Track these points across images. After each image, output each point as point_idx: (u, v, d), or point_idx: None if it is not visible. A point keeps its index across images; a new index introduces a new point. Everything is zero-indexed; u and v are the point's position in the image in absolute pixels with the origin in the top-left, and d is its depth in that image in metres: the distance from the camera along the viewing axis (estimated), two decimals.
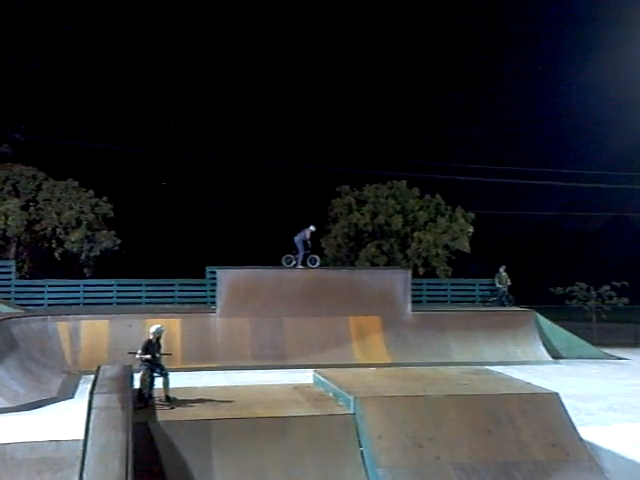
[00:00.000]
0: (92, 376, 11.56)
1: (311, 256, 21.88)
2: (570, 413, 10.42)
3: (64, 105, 37.60)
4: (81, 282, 23.66)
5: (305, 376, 13.56)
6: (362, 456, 9.58)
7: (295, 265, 21.44)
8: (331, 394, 11.41)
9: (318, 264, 21.94)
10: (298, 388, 12.28)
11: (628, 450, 10.51)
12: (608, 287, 27.28)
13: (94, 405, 9.56)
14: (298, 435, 9.81)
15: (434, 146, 42.44)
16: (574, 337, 22.41)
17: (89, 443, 8.43)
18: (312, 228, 21.95)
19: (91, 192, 27.80)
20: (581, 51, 41.39)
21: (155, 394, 10.80)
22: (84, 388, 13.71)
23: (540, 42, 46.10)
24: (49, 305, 22.15)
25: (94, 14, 39.72)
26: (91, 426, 8.91)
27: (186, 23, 42.53)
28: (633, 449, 10.57)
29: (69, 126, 34.04)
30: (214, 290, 21.23)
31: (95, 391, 10.23)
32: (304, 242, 21.57)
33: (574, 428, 10.15)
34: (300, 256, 21.57)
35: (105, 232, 27.50)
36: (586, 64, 40.10)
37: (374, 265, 28.27)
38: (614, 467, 9.93)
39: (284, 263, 21.61)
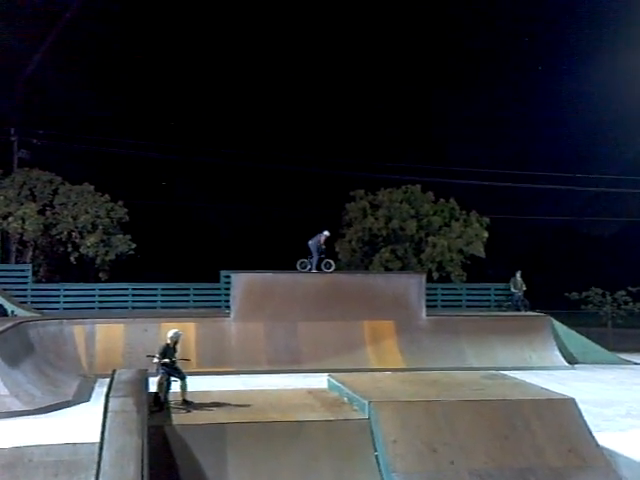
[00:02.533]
0: (107, 380, 11.62)
1: (326, 260, 21.94)
2: (586, 419, 10.34)
3: (80, 110, 37.84)
4: (96, 286, 23.80)
5: (319, 381, 13.56)
6: (377, 461, 9.56)
7: (310, 269, 21.49)
8: (346, 399, 11.39)
9: (333, 268, 21.98)
10: (312, 392, 12.27)
11: None
12: (624, 292, 27.14)
13: (110, 408, 9.61)
14: (313, 439, 9.81)
15: (449, 150, 42.41)
16: (590, 342, 22.29)
17: (105, 446, 8.47)
18: (326, 233, 22.01)
19: (107, 196, 27.95)
20: (600, 50, 41.14)
21: (171, 398, 10.85)
22: (100, 391, 13.78)
23: (555, 43, 45.86)
24: (65, 309, 22.30)
25: (111, 17, 40.00)
26: (107, 429, 8.96)
27: (195, 25, 42.69)
28: None
29: (85, 131, 34.28)
30: (228, 294, 21.27)
31: (111, 394, 10.29)
32: (318, 247, 21.63)
33: (591, 434, 10.08)
34: (314, 260, 21.62)
35: (120, 236, 27.62)
36: (603, 64, 39.91)
37: (388, 270, 28.23)
38: (631, 474, 9.86)
39: (299, 267, 21.66)
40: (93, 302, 22.78)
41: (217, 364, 18.55)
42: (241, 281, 20.65)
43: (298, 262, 21.71)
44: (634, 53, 36.51)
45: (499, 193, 37.94)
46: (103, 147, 33.57)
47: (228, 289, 21.54)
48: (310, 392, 12.35)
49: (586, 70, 41.84)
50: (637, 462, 10.24)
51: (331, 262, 22.10)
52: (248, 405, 11.00)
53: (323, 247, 21.83)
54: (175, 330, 11.13)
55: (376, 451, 9.64)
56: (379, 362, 19.54)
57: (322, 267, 21.71)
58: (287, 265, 22.32)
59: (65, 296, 22.68)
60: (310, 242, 21.80)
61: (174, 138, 37.91)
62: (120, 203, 28.18)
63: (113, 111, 38.97)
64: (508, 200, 39.56)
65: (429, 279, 25.56)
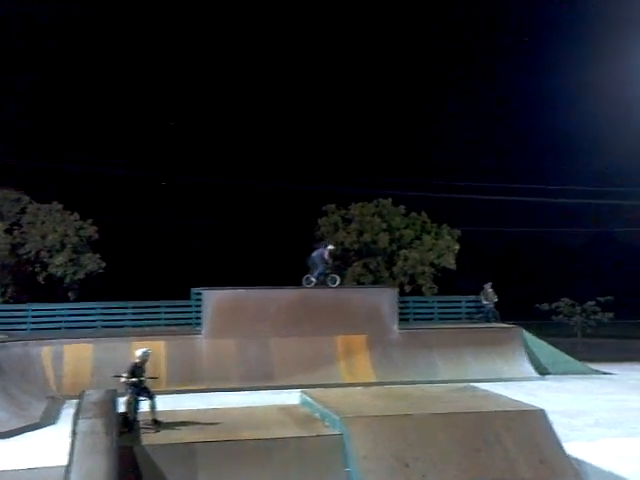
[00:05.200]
0: (76, 401, 11.45)
1: (331, 275, 22.15)
2: (556, 429, 10.41)
3: (47, 128, 37.55)
4: (65, 306, 23.41)
5: (292, 397, 13.50)
6: (349, 477, 9.51)
7: (314, 284, 21.51)
8: (318, 415, 11.35)
9: (338, 283, 22.08)
10: (284, 409, 12.21)
11: (614, 465, 10.53)
12: (593, 302, 27.48)
13: (78, 430, 9.47)
14: (285, 457, 9.75)
15: (419, 164, 42.69)
16: (560, 353, 22.47)
17: (73, 469, 8.35)
18: (330, 247, 22.18)
19: (76, 215, 27.70)
20: (566, 65, 41.87)
21: (141, 418, 10.72)
22: (68, 413, 13.56)
23: (524, 55, 46.61)
24: (32, 329, 21.91)
25: (78, 38, 39.84)
26: (75, 451, 8.82)
27: (161, 43, 42.65)
28: (619, 464, 10.59)
29: (53, 149, 34.00)
30: (200, 312, 21.11)
31: (79, 416, 10.13)
32: (324, 260, 21.66)
33: (560, 444, 10.14)
34: (317, 273, 21.75)
35: (90, 255, 27.37)
36: (572, 79, 40.59)
37: (360, 284, 28.28)
38: None
39: (304, 283, 21.85)
40: (62, 322, 22.39)
41: (188, 382, 18.37)
42: (212, 298, 20.53)
43: (304, 278, 21.85)
44: (604, 66, 37.21)
45: (470, 205, 38.32)
46: (71, 165, 33.29)
47: (199, 306, 21.37)
48: (282, 409, 12.28)
49: (556, 82, 42.54)
50: (605, 471, 10.33)
51: (336, 277, 22.23)
52: (219, 423, 10.90)
53: (330, 261, 21.89)
54: (144, 349, 11.03)
55: (348, 467, 9.60)
56: (351, 377, 19.50)
57: (328, 282, 21.85)
58: (259, 281, 22.25)
59: (33, 316, 22.25)
60: (313, 255, 21.88)
61: (144, 156, 37.75)
62: (89, 221, 27.94)
63: (82, 130, 38.74)
64: (479, 212, 39.95)
65: (401, 292, 25.66)
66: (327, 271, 21.97)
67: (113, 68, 41.06)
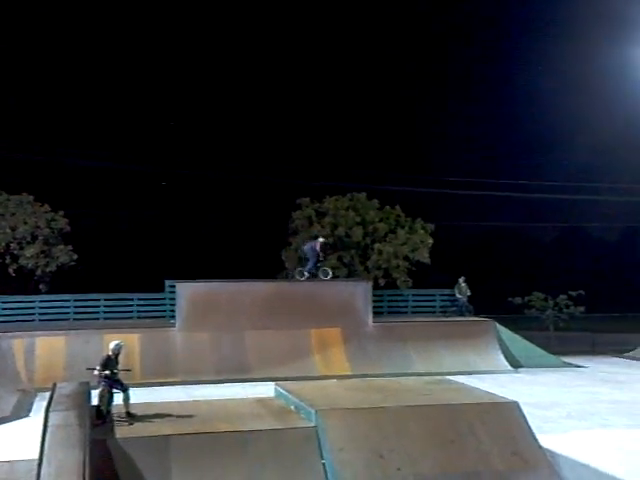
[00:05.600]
0: (48, 394, 11.31)
1: (323, 268, 22.33)
2: (529, 421, 10.51)
3: (17, 118, 36.99)
4: (36, 298, 23.13)
5: (267, 389, 13.47)
6: (324, 469, 9.51)
7: (307, 277, 21.67)
8: (293, 407, 11.34)
9: (330, 276, 22.23)
10: (260, 402, 12.18)
11: (586, 457, 10.65)
12: (565, 296, 27.75)
13: (50, 423, 9.35)
14: (259, 449, 9.72)
15: (394, 158, 42.78)
16: (533, 346, 22.67)
17: (45, 462, 8.24)
18: (321, 240, 22.32)
19: (47, 206, 27.31)
20: (540, 61, 42.24)
21: (114, 410, 10.61)
22: (40, 406, 13.38)
23: (498, 51, 46.87)
24: (2, 322, 21.61)
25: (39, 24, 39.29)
26: (47, 445, 8.71)
27: (148, 38, 42.24)
28: (591, 456, 10.71)
29: (23, 140, 33.51)
30: (174, 304, 20.96)
31: (51, 408, 10.02)
32: (316, 253, 21.77)
33: (533, 436, 10.24)
34: (309, 266, 21.96)
35: (61, 247, 27.01)
36: (545, 75, 40.94)
37: (335, 277, 28.26)
38: (573, 474, 10.05)
39: (297, 276, 22.05)
40: (33, 315, 22.13)
41: (162, 375, 18.22)
42: (186, 291, 20.39)
43: (297, 271, 21.88)
44: (570, 64, 37.57)
45: (444, 200, 38.49)
46: (42, 156, 32.83)
47: (173, 299, 21.21)
48: (257, 401, 12.26)
49: (532, 79, 42.87)
50: (579, 462, 10.44)
51: (328, 270, 22.43)
52: (193, 416, 10.83)
53: (321, 254, 22.05)
54: (116, 342, 10.92)
55: (323, 459, 9.60)
56: (326, 369, 19.50)
57: (320, 274, 21.98)
58: (233, 274, 22.14)
59: (3, 309, 21.98)
60: (305, 247, 22.01)
61: (118, 146, 37.37)
62: (61, 213, 27.56)
63: (53, 119, 38.24)
64: (453, 207, 40.16)
65: (375, 286, 25.70)
66: (319, 264, 22.14)
67: (84, 56, 40.55)
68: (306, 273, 22.06)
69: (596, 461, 10.45)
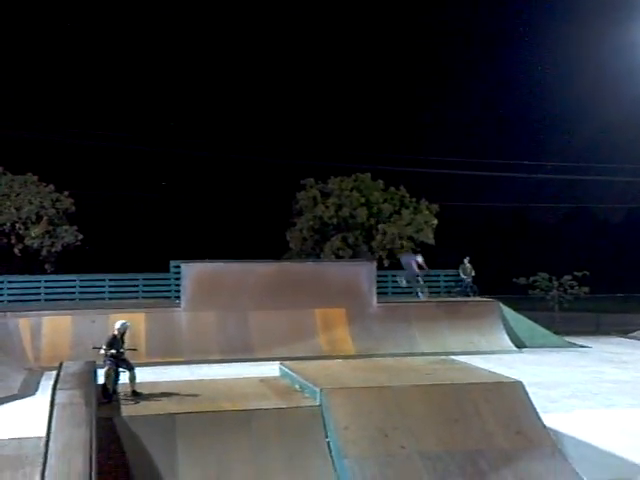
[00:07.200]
0: (54, 373, 11.38)
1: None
2: (533, 401, 10.53)
3: (21, 98, 36.92)
4: (42, 278, 23.23)
5: (272, 369, 13.51)
6: (329, 447, 9.57)
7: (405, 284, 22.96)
8: (297, 386, 11.38)
9: (424, 297, 22.75)
10: (264, 381, 12.23)
11: (589, 436, 10.71)
12: (570, 277, 27.72)
13: (57, 401, 9.42)
14: (264, 428, 9.77)
15: (399, 138, 42.66)
16: (537, 326, 22.69)
17: (52, 440, 8.29)
18: (419, 259, 22.82)
19: (51, 187, 27.33)
20: (548, 45, 41.94)
21: (120, 389, 10.68)
22: (46, 385, 13.48)
23: (508, 35, 46.59)
24: (9, 302, 21.73)
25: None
26: (54, 422, 8.78)
27: (148, 17, 42.02)
28: (594, 435, 10.77)
29: (27, 119, 33.46)
30: (179, 284, 21.01)
31: (58, 387, 10.09)
32: (412, 269, 22.60)
33: (537, 416, 10.26)
34: (404, 278, 22.90)
35: (67, 227, 27.06)
36: (552, 59, 40.68)
37: (339, 258, 28.29)
38: (576, 453, 10.08)
39: (399, 281, 23.08)
40: (39, 294, 22.23)
41: (167, 354, 18.33)
42: (191, 271, 20.43)
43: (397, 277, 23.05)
44: (578, 47, 37.28)
45: (449, 180, 38.41)
46: (47, 136, 32.79)
47: (178, 279, 21.28)
48: (262, 380, 12.31)
49: (534, 61, 42.59)
50: (582, 441, 10.49)
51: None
52: (198, 395, 10.89)
53: (417, 271, 22.60)
54: (122, 321, 10.96)
55: (327, 438, 9.66)
56: (331, 349, 19.56)
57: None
58: (238, 254, 22.16)
59: (9, 289, 22.08)
60: (402, 258, 23.26)
61: (122, 127, 37.30)
62: (66, 193, 27.59)
63: (56, 99, 38.15)
64: (458, 187, 40.08)
65: (380, 266, 25.70)
66: (416, 278, 22.87)
67: (87, 34, 40.39)
68: (404, 281, 22.92)
69: (599, 440, 10.51)
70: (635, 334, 25.02)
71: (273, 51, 44.09)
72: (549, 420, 10.61)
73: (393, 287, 24.53)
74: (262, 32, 43.88)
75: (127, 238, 37.53)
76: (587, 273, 27.60)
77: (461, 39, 46.11)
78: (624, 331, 25.57)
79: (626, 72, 37.27)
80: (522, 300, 26.54)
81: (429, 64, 46.00)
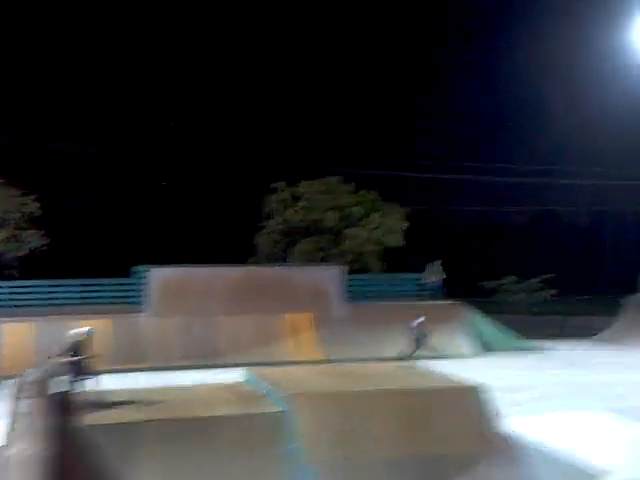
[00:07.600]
0: (13, 382, 11.19)
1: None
2: (498, 404, 10.58)
3: None
4: (6, 284, 22.86)
5: (238, 375, 13.43)
6: (292, 453, 9.55)
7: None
8: (262, 392, 11.33)
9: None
10: (228, 387, 12.14)
11: (553, 439, 10.78)
12: (537, 279, 28.04)
13: (15, 411, 9.27)
14: (227, 435, 9.70)
15: (369, 141, 42.74)
16: (504, 330, 22.90)
17: (9, 450, 8.16)
18: (420, 320, 20.85)
19: (17, 191, 26.95)
20: (512, 46, 42.28)
21: (81, 397, 10.54)
22: (5, 394, 13.26)
23: (471, 35, 46.92)
24: None
25: None
26: (12, 433, 8.64)
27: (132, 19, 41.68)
28: (558, 438, 10.85)
29: None
30: (145, 289, 20.83)
31: (16, 396, 9.91)
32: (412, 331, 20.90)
33: (498, 419, 10.33)
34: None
35: (32, 231, 26.71)
36: (516, 60, 41.05)
37: (309, 261, 28.28)
38: (539, 456, 10.15)
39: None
40: (3, 300, 21.86)
41: (131, 361, 18.18)
42: (157, 276, 20.33)
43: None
44: (541, 48, 37.72)
45: (419, 184, 38.52)
46: (12, 139, 32.34)
47: (144, 284, 21.09)
48: (226, 387, 12.21)
49: (501, 63, 42.99)
50: (545, 445, 10.56)
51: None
52: (162, 402, 10.77)
53: (415, 332, 20.73)
54: (86, 327, 10.85)
55: (291, 443, 9.63)
56: (298, 354, 19.58)
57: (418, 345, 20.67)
58: (206, 258, 22.07)
59: None
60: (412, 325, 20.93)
61: (87, 129, 36.91)
62: (32, 197, 27.23)
63: (23, 101, 37.66)
64: (428, 191, 40.21)
65: (349, 270, 25.69)
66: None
67: (55, 36, 39.90)
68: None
69: (562, 443, 10.59)
70: (599, 336, 25.36)
71: (243, 55, 44.01)
72: (514, 423, 10.67)
73: (362, 291, 24.55)
74: (233, 35, 43.79)
75: (93, 242, 37.13)
76: (553, 276, 27.95)
77: (426, 42, 46.26)
78: (588, 334, 25.88)
79: (594, 77, 37.86)
80: (489, 303, 26.78)
81: (400, 67, 46.20)
